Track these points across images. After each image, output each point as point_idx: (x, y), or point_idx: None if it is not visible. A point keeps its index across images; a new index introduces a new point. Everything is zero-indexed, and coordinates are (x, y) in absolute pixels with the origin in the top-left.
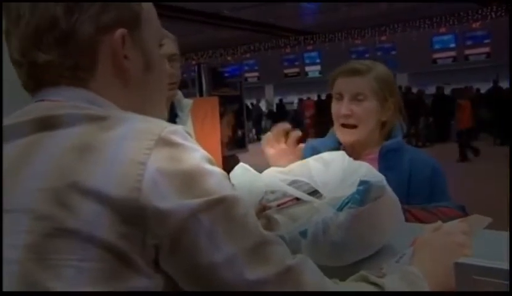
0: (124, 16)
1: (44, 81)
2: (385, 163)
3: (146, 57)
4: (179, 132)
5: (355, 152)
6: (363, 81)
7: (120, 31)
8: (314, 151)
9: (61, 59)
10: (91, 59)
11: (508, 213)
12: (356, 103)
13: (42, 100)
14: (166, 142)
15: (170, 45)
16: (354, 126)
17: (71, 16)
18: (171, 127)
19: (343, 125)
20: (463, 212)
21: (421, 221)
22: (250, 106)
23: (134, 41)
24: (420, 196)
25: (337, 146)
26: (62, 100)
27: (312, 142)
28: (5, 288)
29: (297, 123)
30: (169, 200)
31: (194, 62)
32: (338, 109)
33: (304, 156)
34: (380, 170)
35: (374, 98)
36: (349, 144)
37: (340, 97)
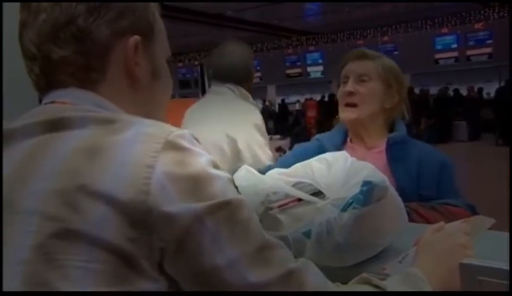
0: (139, 24)
1: (55, 80)
2: (393, 154)
3: (154, 66)
4: (185, 136)
5: (360, 139)
6: (369, 64)
7: (135, 38)
8: (320, 144)
9: (75, 57)
10: (104, 61)
11: (508, 214)
12: (361, 84)
13: (52, 102)
14: (173, 146)
15: None
16: (355, 105)
17: (90, 15)
18: (178, 131)
19: (346, 104)
20: (473, 212)
21: (429, 222)
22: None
23: (146, 50)
24: (429, 188)
25: (344, 139)
26: (71, 102)
27: (318, 136)
28: (13, 288)
29: (299, 123)
30: (175, 204)
31: (196, 63)
32: (344, 88)
33: (310, 152)
34: (389, 161)
35: (379, 81)
36: (352, 126)
37: (347, 79)
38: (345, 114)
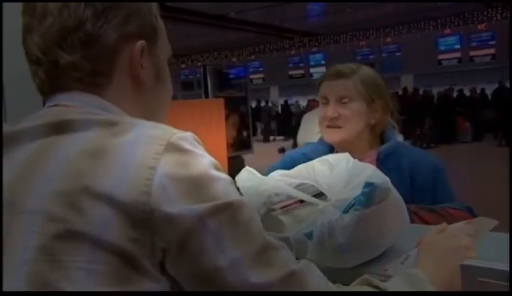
0: (144, 28)
1: (60, 84)
2: (384, 166)
3: (157, 68)
4: (187, 138)
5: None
6: (348, 83)
7: (141, 42)
8: (306, 158)
9: (83, 62)
10: (111, 65)
11: (508, 214)
12: (342, 106)
13: (55, 105)
14: (175, 148)
15: None
16: (339, 127)
17: (97, 20)
18: (180, 133)
19: (329, 126)
20: (471, 214)
21: (429, 224)
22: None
23: (150, 52)
24: (424, 195)
25: (329, 152)
26: (75, 105)
27: (302, 149)
28: (17, 288)
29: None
30: (177, 205)
31: (199, 64)
32: (325, 112)
33: (294, 163)
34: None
35: (360, 99)
36: (338, 145)
37: (326, 101)
38: (328, 136)
